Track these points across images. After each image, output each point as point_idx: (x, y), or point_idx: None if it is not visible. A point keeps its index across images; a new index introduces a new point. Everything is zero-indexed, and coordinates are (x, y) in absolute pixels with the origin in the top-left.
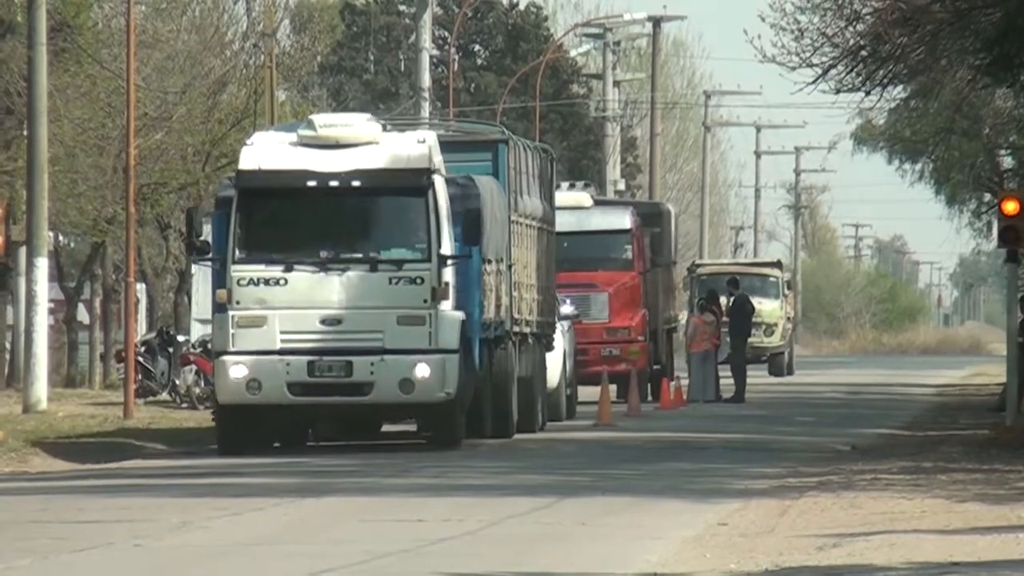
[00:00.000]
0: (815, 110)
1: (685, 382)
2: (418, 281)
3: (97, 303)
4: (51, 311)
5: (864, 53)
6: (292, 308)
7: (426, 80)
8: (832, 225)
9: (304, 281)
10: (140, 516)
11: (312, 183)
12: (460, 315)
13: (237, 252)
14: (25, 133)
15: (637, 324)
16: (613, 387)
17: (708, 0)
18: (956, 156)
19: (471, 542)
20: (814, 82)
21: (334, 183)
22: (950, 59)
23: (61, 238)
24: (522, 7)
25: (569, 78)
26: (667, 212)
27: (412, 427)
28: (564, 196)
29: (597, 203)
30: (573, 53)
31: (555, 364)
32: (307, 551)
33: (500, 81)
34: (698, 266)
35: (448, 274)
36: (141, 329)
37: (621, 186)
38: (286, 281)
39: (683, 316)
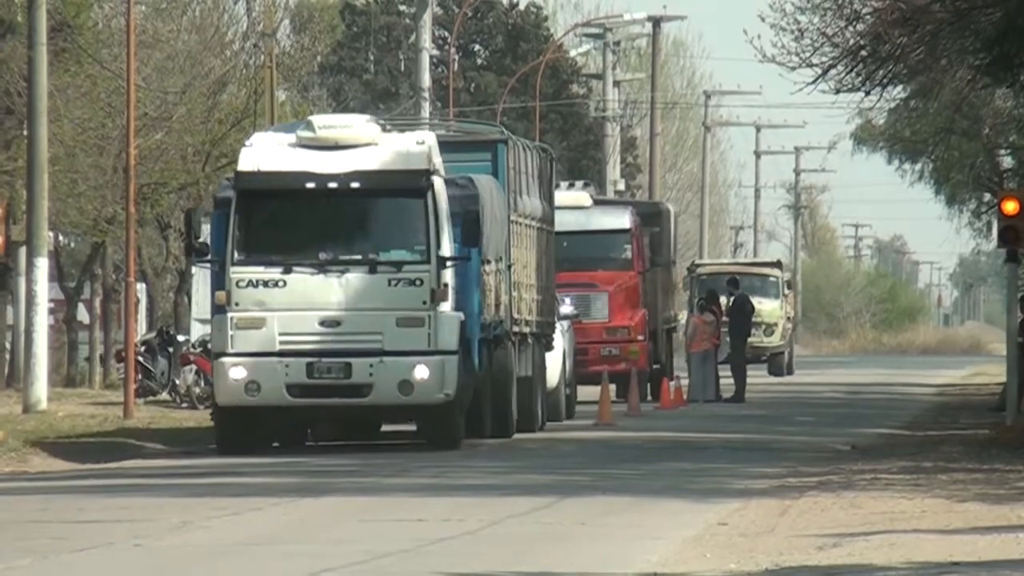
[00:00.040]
0: (815, 110)
1: (685, 382)
2: (417, 282)
3: (97, 303)
4: (51, 311)
5: (864, 53)
6: (291, 310)
7: (426, 80)
8: (832, 225)
9: (303, 283)
10: (140, 516)
11: (311, 184)
12: (459, 316)
13: (236, 254)
14: (25, 133)
15: (637, 324)
16: (613, 387)
17: (708, 0)
18: (956, 156)
19: (471, 542)
20: (814, 82)
21: (333, 184)
22: (950, 59)
23: (61, 238)
24: (522, 7)
25: (569, 78)
26: (667, 212)
27: (412, 427)
28: (564, 196)
29: (597, 203)
30: (573, 53)
31: (555, 364)
32: (307, 551)
33: (500, 81)
34: (698, 266)
35: (447, 275)
36: (141, 329)
37: (621, 186)
38: (285, 283)
39: (683, 316)
